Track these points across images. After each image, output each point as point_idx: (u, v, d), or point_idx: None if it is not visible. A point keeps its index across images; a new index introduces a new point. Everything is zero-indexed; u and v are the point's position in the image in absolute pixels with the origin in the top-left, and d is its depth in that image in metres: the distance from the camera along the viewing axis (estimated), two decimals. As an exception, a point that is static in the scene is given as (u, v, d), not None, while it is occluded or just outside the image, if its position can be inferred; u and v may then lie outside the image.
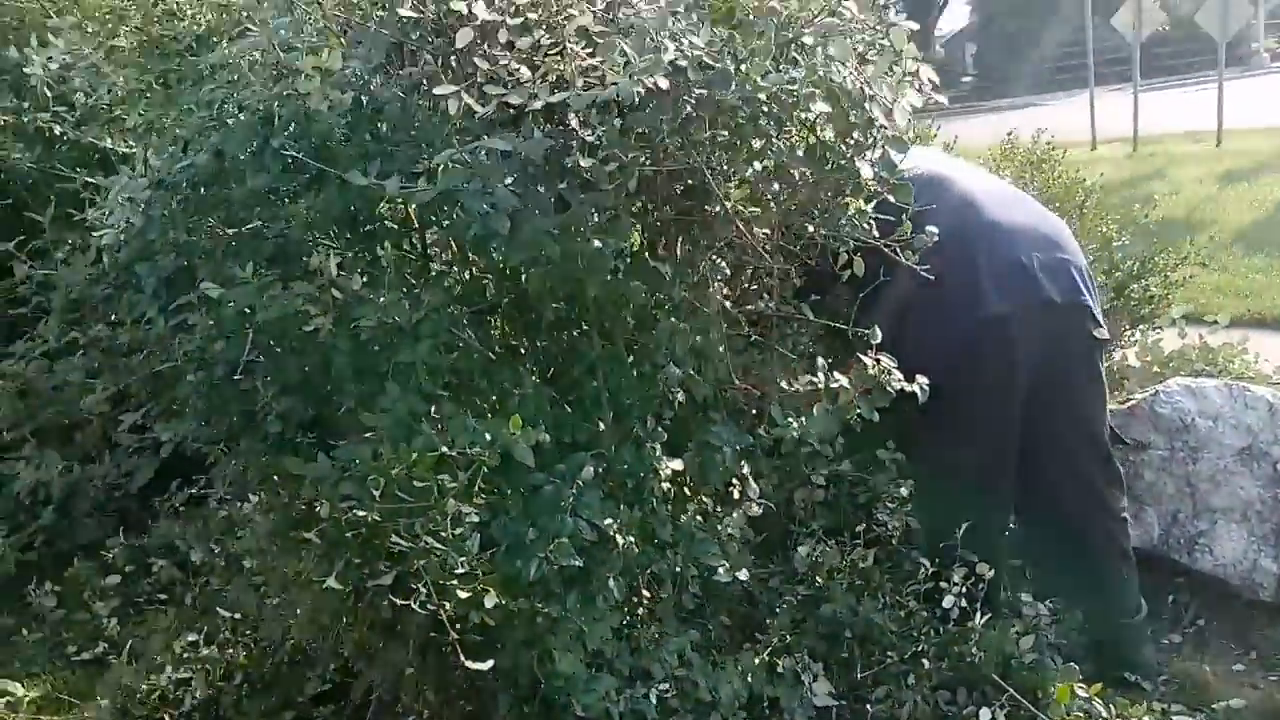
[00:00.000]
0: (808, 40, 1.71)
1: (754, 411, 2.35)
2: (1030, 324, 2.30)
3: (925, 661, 2.20)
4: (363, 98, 1.93)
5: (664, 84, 1.53)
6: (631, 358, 2.07)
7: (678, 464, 1.99)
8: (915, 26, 1.86)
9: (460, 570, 1.70)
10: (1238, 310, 5.24)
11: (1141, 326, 3.55)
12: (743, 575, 2.01)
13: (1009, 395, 2.36)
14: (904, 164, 2.13)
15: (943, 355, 2.25)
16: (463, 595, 1.70)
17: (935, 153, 2.75)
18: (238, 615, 2.43)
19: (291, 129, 1.84)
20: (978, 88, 32.86)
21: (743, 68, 1.62)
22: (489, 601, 1.68)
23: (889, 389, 2.06)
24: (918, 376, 2.08)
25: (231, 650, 2.46)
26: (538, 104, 1.61)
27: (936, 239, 2.08)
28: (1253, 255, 6.52)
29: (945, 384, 2.16)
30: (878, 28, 1.82)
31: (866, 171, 1.90)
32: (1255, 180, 9.25)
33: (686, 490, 2.16)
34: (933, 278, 2.04)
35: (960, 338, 2.31)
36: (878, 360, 2.11)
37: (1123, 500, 2.55)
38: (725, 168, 1.84)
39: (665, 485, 1.98)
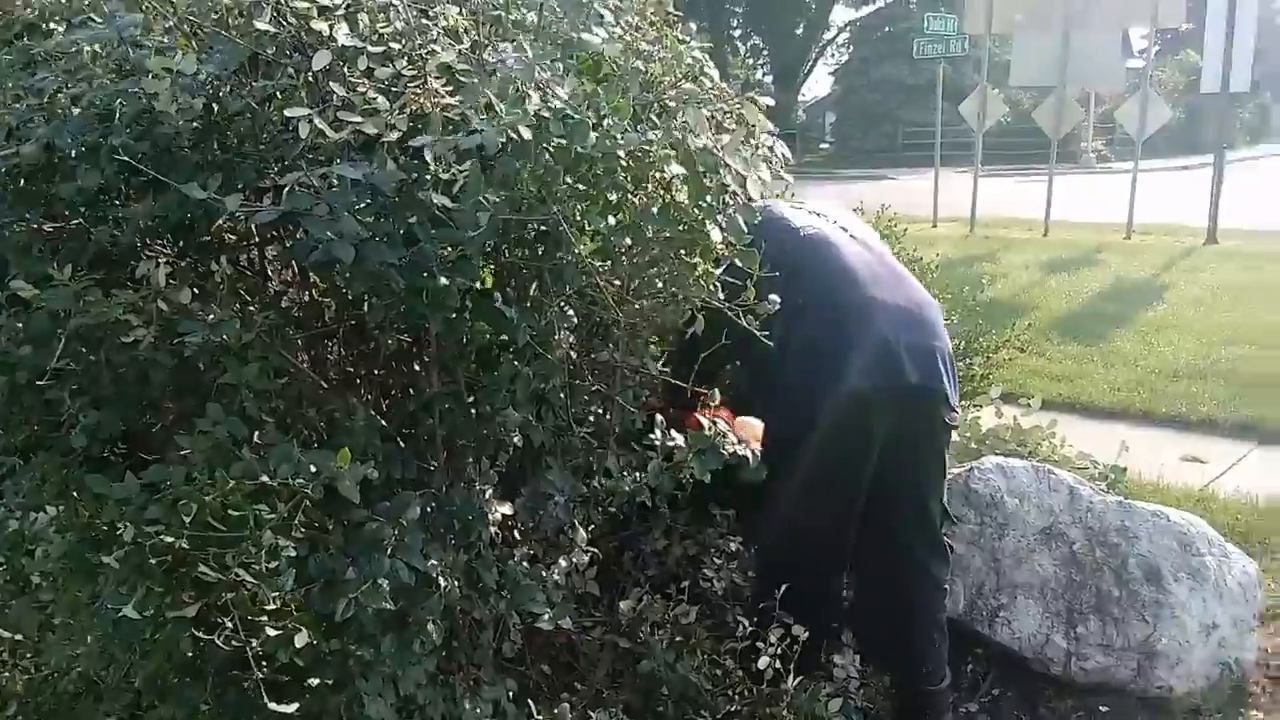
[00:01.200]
0: (670, 104, 1.75)
1: (590, 460, 2.35)
2: (888, 404, 2.38)
3: (737, 721, 2.23)
4: (214, 105, 1.86)
5: (527, 134, 1.53)
6: (471, 398, 2.05)
7: (508, 508, 1.96)
8: (772, 102, 1.93)
9: (271, 606, 1.63)
10: (1050, 394, 5.60)
11: (963, 403, 3.75)
12: (566, 623, 1.99)
13: (859, 467, 2.44)
14: (801, 220, 2.57)
15: (803, 420, 2.35)
16: (272, 632, 1.63)
17: (835, 210, 2.79)
18: (18, 637, 2.25)
19: (133, 129, 1.75)
20: (834, 155, 34.30)
21: (604, 123, 1.64)
22: (299, 640, 1.61)
23: (722, 451, 2.10)
24: (752, 447, 2.15)
25: (8, 675, 2.28)
26: (393, 135, 1.58)
27: (818, 306, 2.35)
28: (1068, 342, 7.00)
29: (801, 448, 2.30)
30: (736, 99, 1.87)
31: (716, 235, 1.94)
32: (1075, 271, 9.96)
33: (516, 535, 2.14)
34: (809, 342, 2.30)
35: (822, 407, 2.35)
36: (714, 422, 2.16)
37: (946, 572, 2.69)
38: (580, 218, 1.84)
39: (494, 530, 1.95)
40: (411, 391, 2.09)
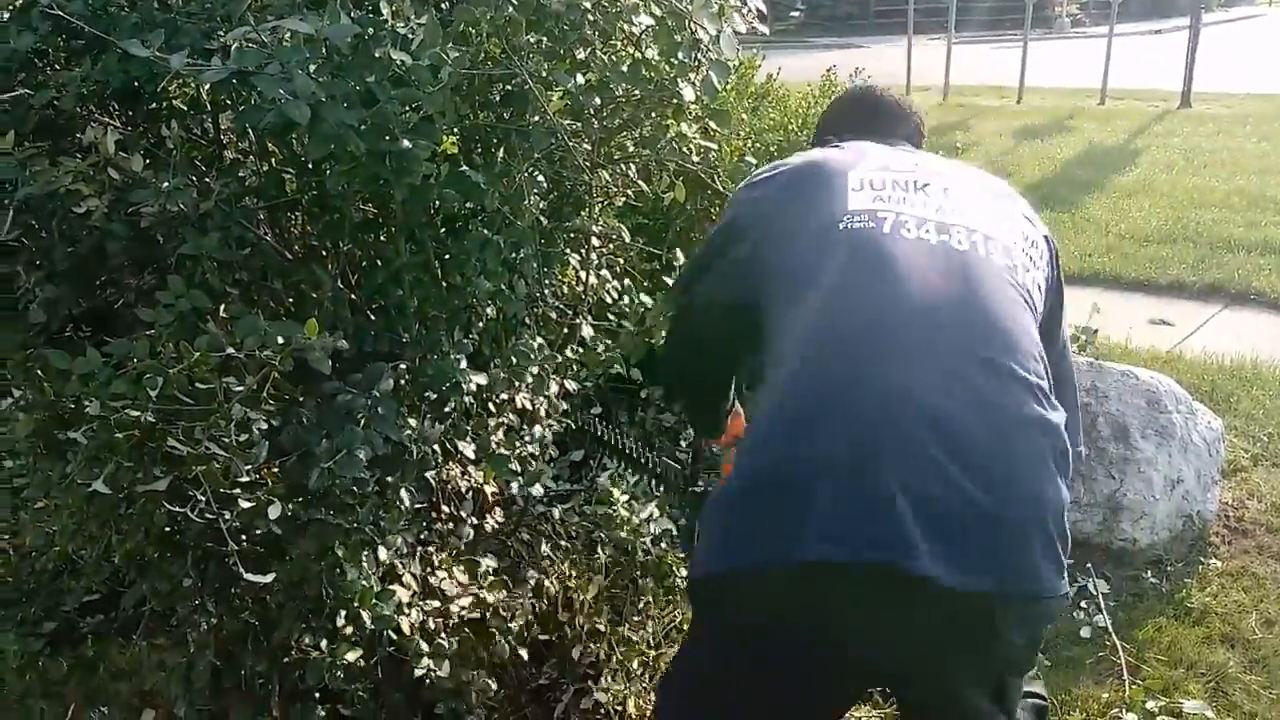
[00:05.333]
0: (637, -51, 1.66)
1: (565, 329, 2.32)
2: (862, 594, 1.27)
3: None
4: (151, -42, 1.76)
5: (484, -22, 1.45)
6: (440, 267, 2.00)
7: (482, 378, 1.94)
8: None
9: (244, 478, 1.62)
10: (1023, 259, 5.60)
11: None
12: (537, 491, 2.00)
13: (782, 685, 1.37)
14: (860, 197, 1.50)
15: (708, 578, 1.39)
16: (245, 505, 1.63)
17: (957, 179, 1.63)
18: (-6, 519, 2.24)
19: (64, -13, 1.65)
20: (806, 24, 33.46)
21: (570, -30, 1.56)
22: (273, 512, 1.61)
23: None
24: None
25: (-13, 557, 2.27)
26: (348, -13, 1.50)
27: (792, 373, 1.36)
28: (1040, 209, 6.95)
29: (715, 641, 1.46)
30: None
31: (689, 94, 1.88)
32: (1047, 138, 9.86)
33: (491, 405, 2.13)
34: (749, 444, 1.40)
35: (748, 583, 1.33)
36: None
37: None
38: (547, 76, 1.77)
39: (469, 400, 1.93)
40: (379, 263, 2.04)
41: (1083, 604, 2.69)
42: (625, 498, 2.25)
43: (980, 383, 1.32)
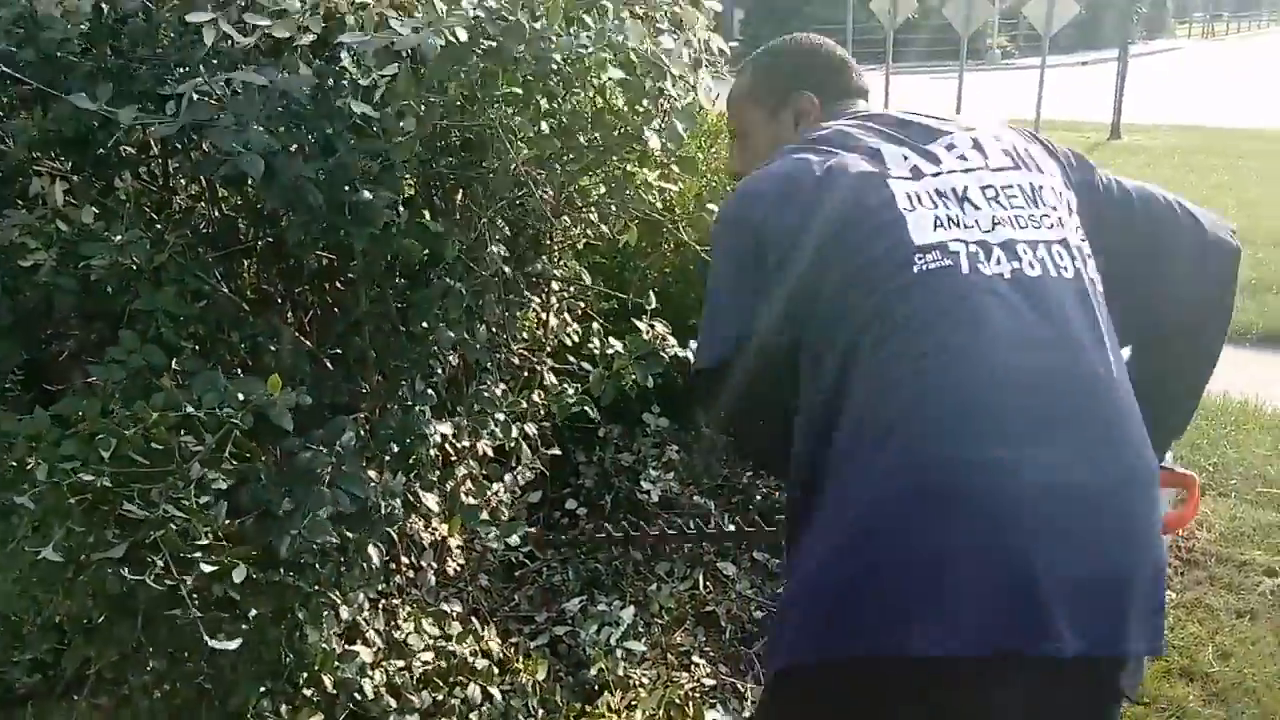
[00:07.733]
0: (605, 3, 1.65)
1: (526, 374, 2.30)
2: (995, 686, 1.19)
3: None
4: (103, 5, 1.72)
5: (463, 35, 1.43)
6: (401, 316, 1.96)
7: (447, 428, 1.91)
8: (719, 7, 1.85)
9: (204, 541, 1.56)
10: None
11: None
12: (514, 541, 1.96)
13: None
14: (925, 229, 1.30)
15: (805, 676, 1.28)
16: (207, 568, 1.56)
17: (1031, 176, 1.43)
18: (-71, 581, 2.13)
19: (14, 34, 1.60)
20: (744, 53, 33.80)
21: (538, 25, 1.54)
22: (238, 575, 1.55)
23: (663, 355, 2.06)
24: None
25: (-80, 620, 2.16)
26: (307, 38, 1.47)
27: (884, 443, 1.22)
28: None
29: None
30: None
31: (654, 142, 1.87)
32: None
33: (453, 455, 2.09)
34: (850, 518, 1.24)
35: (856, 672, 1.22)
36: (652, 326, 2.10)
37: None
38: (511, 124, 1.75)
39: (434, 451, 1.90)
40: (338, 311, 2.00)
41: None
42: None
43: (1091, 445, 1.24)
